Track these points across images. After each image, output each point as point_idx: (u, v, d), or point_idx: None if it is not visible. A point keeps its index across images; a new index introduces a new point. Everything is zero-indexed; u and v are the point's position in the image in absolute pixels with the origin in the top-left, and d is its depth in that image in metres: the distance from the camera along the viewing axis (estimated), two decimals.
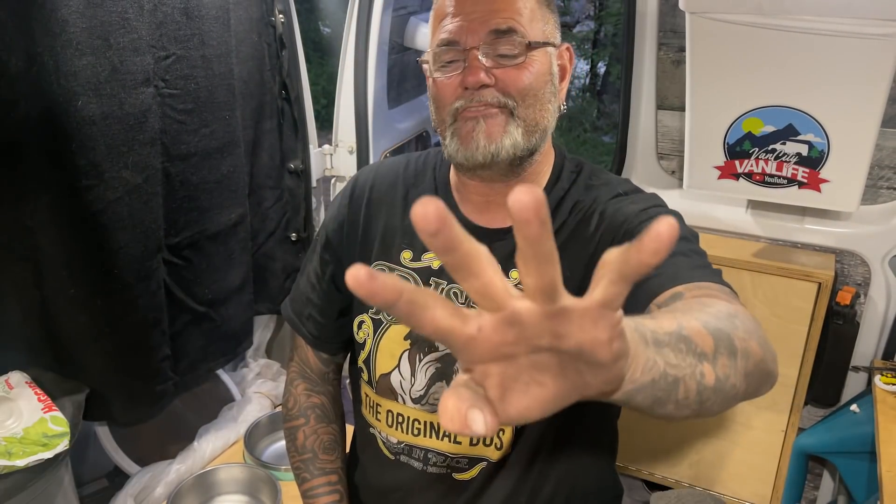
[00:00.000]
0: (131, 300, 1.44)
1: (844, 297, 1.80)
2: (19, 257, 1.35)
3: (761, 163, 1.73)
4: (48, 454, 1.25)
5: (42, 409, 1.33)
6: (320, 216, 2.15)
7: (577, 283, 0.94)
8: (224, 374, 1.93)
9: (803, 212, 1.89)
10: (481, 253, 0.38)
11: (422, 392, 1.00)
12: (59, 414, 1.33)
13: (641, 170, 2.10)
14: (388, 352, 1.02)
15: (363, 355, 1.05)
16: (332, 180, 2.15)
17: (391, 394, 1.03)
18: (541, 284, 0.37)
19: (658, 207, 0.95)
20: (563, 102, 0.97)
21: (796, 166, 1.70)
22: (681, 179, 1.90)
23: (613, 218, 0.93)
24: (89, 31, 1.26)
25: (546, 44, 0.92)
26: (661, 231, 0.35)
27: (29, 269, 1.36)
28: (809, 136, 1.65)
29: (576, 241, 0.95)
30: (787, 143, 1.68)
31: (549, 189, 1.00)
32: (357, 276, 0.35)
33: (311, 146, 2.00)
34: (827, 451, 1.81)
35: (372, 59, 1.95)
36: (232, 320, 1.76)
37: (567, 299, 0.38)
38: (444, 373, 0.99)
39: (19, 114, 1.24)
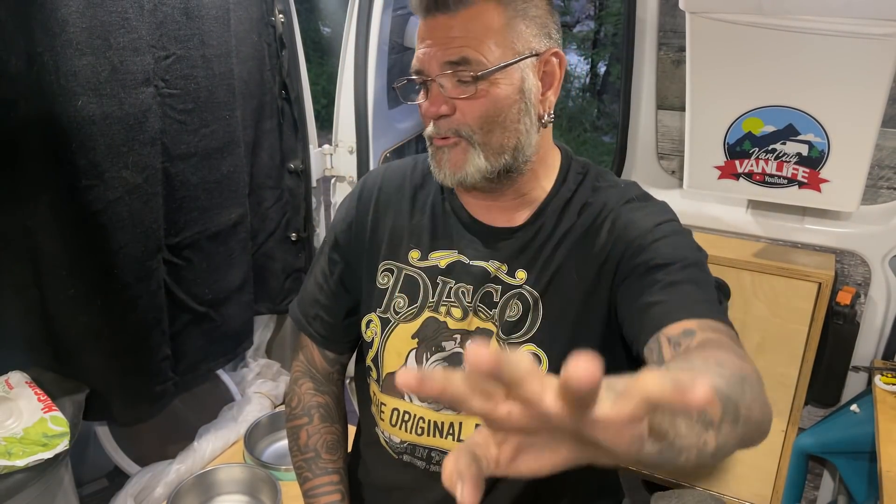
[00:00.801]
0: (131, 300, 1.44)
1: (844, 297, 1.80)
2: (19, 257, 1.35)
3: (761, 163, 1.73)
4: (48, 454, 1.25)
5: (42, 409, 1.33)
6: (320, 216, 2.15)
7: (586, 287, 0.95)
8: (224, 374, 1.93)
9: (803, 212, 1.89)
10: (524, 368, 0.40)
11: None
12: (59, 414, 1.33)
13: (641, 170, 2.10)
14: (396, 350, 1.03)
15: (371, 354, 1.06)
16: (332, 180, 2.15)
17: (397, 392, 1.03)
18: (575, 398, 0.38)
19: (671, 222, 0.97)
20: (549, 111, 0.96)
21: (796, 166, 1.70)
22: (681, 179, 1.90)
23: (626, 230, 0.94)
24: (89, 31, 1.26)
25: (509, 64, 0.90)
26: (699, 396, 0.36)
27: (29, 269, 1.36)
28: (809, 136, 1.65)
29: (586, 245, 0.96)
30: (788, 142, 1.68)
31: (555, 190, 1.00)
32: (408, 381, 0.39)
33: (311, 146, 2.00)
34: (827, 451, 1.81)
35: (372, 59, 1.95)
36: (232, 320, 1.76)
37: (598, 409, 0.39)
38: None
39: (19, 114, 1.24)
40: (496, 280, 0.99)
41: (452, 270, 1.02)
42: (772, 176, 1.74)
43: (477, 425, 0.99)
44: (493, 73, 0.90)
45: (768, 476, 1.95)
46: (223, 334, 1.74)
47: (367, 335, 1.06)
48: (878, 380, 1.66)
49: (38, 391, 1.37)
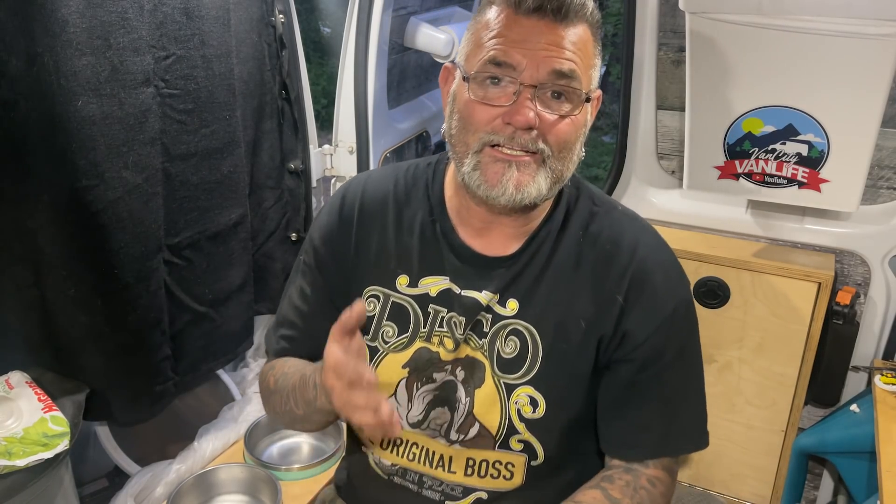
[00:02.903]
0: (131, 300, 1.44)
1: (844, 297, 1.80)
2: (19, 257, 1.35)
3: (761, 163, 1.73)
4: (48, 454, 1.25)
5: (42, 409, 1.33)
6: None
7: (586, 325, 0.93)
8: (224, 374, 1.93)
9: (803, 212, 1.89)
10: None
11: (420, 417, 0.98)
12: (59, 414, 1.33)
13: (641, 170, 2.10)
14: (386, 378, 0.99)
15: None
16: (332, 180, 2.15)
17: None
18: None
19: (685, 303, 0.96)
20: (583, 150, 0.94)
21: (796, 166, 1.70)
22: (681, 179, 1.90)
23: (644, 301, 0.93)
24: (89, 31, 1.26)
25: (591, 94, 0.89)
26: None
27: (29, 270, 1.36)
28: (809, 136, 1.65)
29: (588, 280, 0.94)
30: (787, 143, 1.68)
31: (549, 214, 0.97)
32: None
33: (311, 146, 1.99)
34: (827, 451, 1.81)
35: (372, 59, 1.95)
36: (232, 320, 1.76)
37: None
38: (444, 398, 0.97)
39: (19, 114, 1.24)
40: (488, 309, 0.95)
41: (444, 299, 0.97)
42: (772, 176, 1.74)
43: (469, 459, 0.98)
44: (591, 98, 0.88)
45: (768, 476, 1.95)
46: (223, 334, 1.74)
47: None
48: (878, 380, 1.66)
49: (39, 391, 1.37)
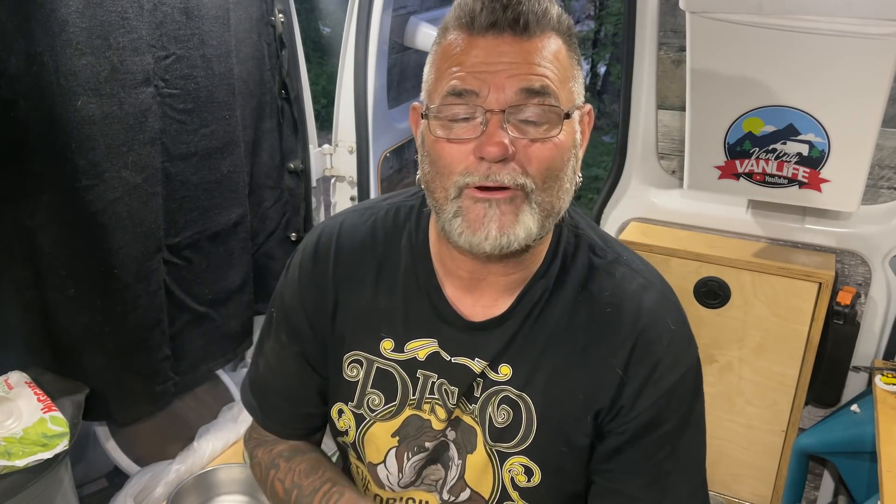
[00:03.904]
0: (131, 300, 1.44)
1: (845, 297, 1.80)
2: (19, 257, 1.35)
3: (762, 163, 1.73)
4: (48, 454, 1.25)
5: (42, 409, 1.33)
6: (320, 216, 2.15)
7: (583, 393, 0.85)
8: (224, 374, 1.93)
9: (804, 212, 1.89)
10: None
11: (412, 479, 0.94)
12: (58, 414, 1.33)
13: (641, 170, 2.10)
14: (375, 446, 0.93)
15: (347, 440, 0.95)
16: (332, 180, 2.15)
17: (379, 482, 0.95)
18: None
19: (691, 373, 0.86)
20: (579, 173, 0.83)
21: (797, 166, 1.69)
22: (681, 179, 1.90)
23: (647, 380, 0.84)
24: (89, 31, 1.26)
25: (573, 111, 0.78)
26: None
27: (29, 269, 1.36)
28: (810, 136, 1.64)
29: (586, 346, 0.85)
30: (788, 142, 1.68)
31: (545, 267, 0.87)
32: None
33: (311, 146, 1.99)
34: (827, 451, 1.81)
35: (372, 59, 1.95)
36: (232, 320, 1.76)
37: None
38: (436, 458, 0.92)
39: (19, 114, 1.24)
40: (481, 374, 0.87)
41: (433, 364, 0.88)
42: (772, 176, 1.73)
43: None
44: (571, 115, 0.77)
45: (768, 476, 1.95)
46: (223, 334, 1.74)
47: (341, 425, 0.94)
48: (879, 380, 1.66)
49: (38, 391, 1.37)
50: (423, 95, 0.82)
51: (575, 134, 0.79)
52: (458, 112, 0.75)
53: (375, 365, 0.91)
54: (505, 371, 0.86)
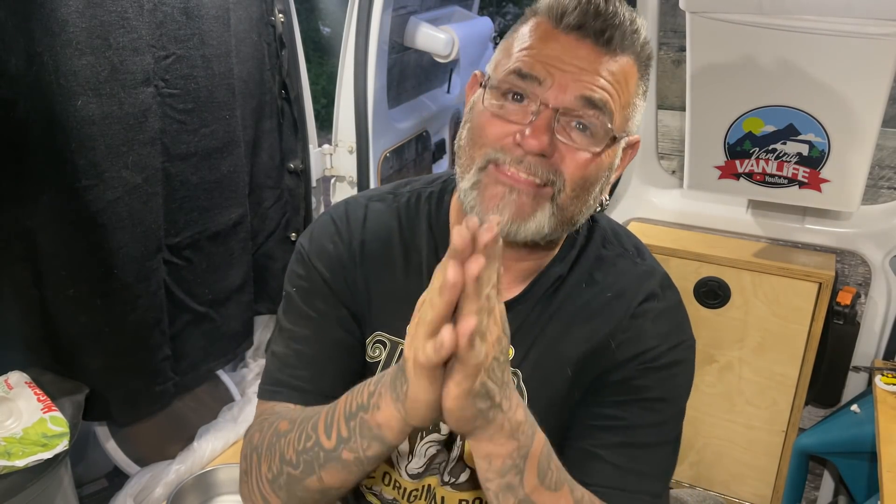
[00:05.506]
0: (131, 300, 1.44)
1: (845, 298, 1.80)
2: (19, 257, 1.35)
3: (762, 163, 1.73)
4: (48, 454, 1.25)
5: (42, 410, 1.33)
6: None
7: (571, 370, 0.87)
8: (224, 374, 1.93)
9: (804, 212, 1.89)
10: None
11: (420, 470, 0.95)
12: (58, 414, 1.33)
13: (641, 170, 2.10)
14: None
15: None
16: (332, 180, 2.15)
17: (387, 462, 0.96)
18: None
19: (682, 346, 0.88)
20: (606, 197, 0.85)
21: (797, 166, 1.70)
22: (681, 179, 1.90)
23: (633, 342, 0.86)
24: (89, 31, 1.26)
25: (623, 136, 0.80)
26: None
27: (29, 269, 1.36)
28: (810, 136, 1.64)
29: (580, 324, 0.87)
30: (788, 142, 1.68)
31: (560, 256, 0.89)
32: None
33: (311, 146, 1.99)
34: (827, 451, 1.81)
35: (372, 59, 1.95)
36: (232, 320, 1.76)
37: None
38: (446, 441, 0.93)
39: (19, 114, 1.24)
40: None
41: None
42: (772, 176, 1.73)
43: (461, 501, 0.95)
44: (621, 140, 0.79)
45: (768, 476, 1.95)
46: (223, 334, 1.74)
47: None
48: (879, 380, 1.66)
49: (38, 391, 1.37)
50: (488, 66, 0.84)
51: (615, 158, 0.81)
52: (516, 94, 0.77)
53: (399, 347, 0.92)
54: (510, 353, 0.89)
